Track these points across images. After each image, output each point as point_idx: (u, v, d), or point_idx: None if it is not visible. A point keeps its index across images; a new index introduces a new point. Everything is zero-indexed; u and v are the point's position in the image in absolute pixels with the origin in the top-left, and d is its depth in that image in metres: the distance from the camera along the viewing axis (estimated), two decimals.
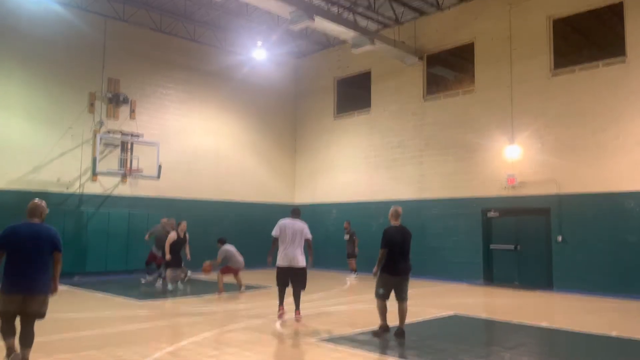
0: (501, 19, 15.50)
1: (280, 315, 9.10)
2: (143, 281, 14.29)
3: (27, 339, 5.52)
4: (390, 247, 7.77)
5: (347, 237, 17.01)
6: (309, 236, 9.27)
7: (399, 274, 7.76)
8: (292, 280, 9.06)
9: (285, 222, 9.32)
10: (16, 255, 5.48)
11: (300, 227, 9.25)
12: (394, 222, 8.12)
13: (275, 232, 9.23)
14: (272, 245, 9.27)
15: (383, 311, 7.83)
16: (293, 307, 9.13)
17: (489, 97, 15.59)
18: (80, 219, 15.61)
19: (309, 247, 9.26)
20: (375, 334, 7.73)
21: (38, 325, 5.76)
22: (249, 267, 19.17)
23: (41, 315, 5.60)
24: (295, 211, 9.72)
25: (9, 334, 5.51)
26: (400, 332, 7.62)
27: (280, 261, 9.07)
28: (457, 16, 16.66)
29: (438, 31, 17.17)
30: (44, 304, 5.59)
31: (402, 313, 7.71)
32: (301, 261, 9.04)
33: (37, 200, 5.88)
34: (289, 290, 9.08)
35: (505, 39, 15.34)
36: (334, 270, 18.57)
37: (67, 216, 15.31)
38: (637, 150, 12.70)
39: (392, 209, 8.22)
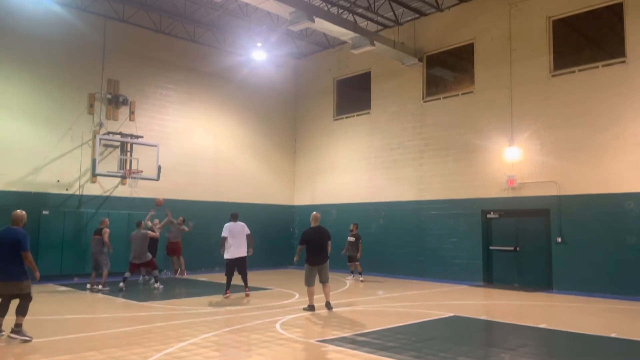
0: (501, 19, 15.51)
1: (227, 297, 11.52)
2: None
3: (19, 310, 7.39)
4: (307, 244, 10.15)
5: (351, 239, 16.01)
6: (249, 232, 11.94)
7: (317, 263, 10.11)
8: (239, 267, 11.70)
9: (230, 225, 11.79)
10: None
11: (242, 226, 11.90)
12: (313, 224, 10.35)
13: (225, 234, 11.62)
14: (223, 244, 11.64)
15: (312, 294, 10.07)
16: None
17: (488, 97, 15.60)
18: (80, 220, 15.61)
19: (250, 239, 11.89)
20: (305, 309, 9.94)
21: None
22: (250, 268, 19.17)
23: (24, 296, 7.44)
24: (234, 215, 12.12)
25: (1, 313, 7.43)
26: (328, 304, 10.12)
27: (230, 255, 11.55)
28: (457, 17, 16.67)
29: (437, 32, 17.18)
30: (23, 287, 7.42)
31: (327, 291, 10.25)
32: (245, 252, 11.79)
33: (18, 211, 7.70)
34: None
35: (505, 39, 15.35)
36: (333, 271, 18.55)
37: (67, 217, 15.31)
38: (637, 151, 12.71)
39: (312, 214, 10.44)
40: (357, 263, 15.86)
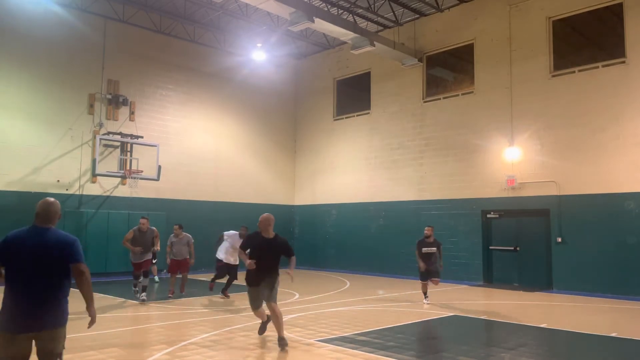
0: (501, 19, 15.52)
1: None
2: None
3: None
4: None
5: (431, 249, 11.31)
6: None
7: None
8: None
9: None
10: (15, 276, 3.89)
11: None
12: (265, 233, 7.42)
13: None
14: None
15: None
16: None
17: (488, 98, 15.60)
18: (80, 219, 15.61)
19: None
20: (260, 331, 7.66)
21: None
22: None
23: (55, 356, 3.91)
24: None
25: None
26: (281, 340, 6.97)
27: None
28: (457, 17, 16.68)
29: (437, 32, 17.19)
30: (58, 340, 3.92)
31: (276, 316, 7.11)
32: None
33: (50, 200, 4.17)
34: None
35: (505, 39, 15.35)
36: (333, 271, 18.58)
37: (67, 217, 15.30)
38: (637, 151, 12.71)
39: (268, 216, 7.55)
40: (437, 279, 11.51)
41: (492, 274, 15.37)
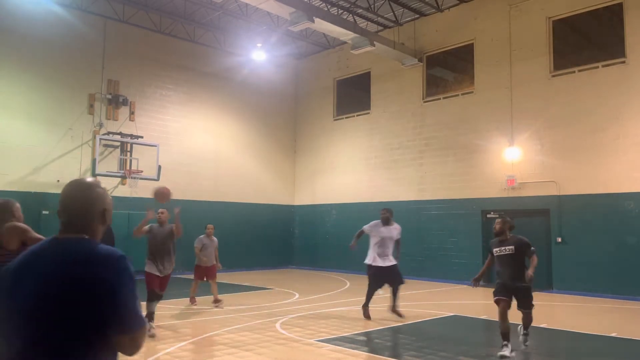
0: (501, 19, 15.52)
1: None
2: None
3: None
4: None
5: (507, 249, 7.32)
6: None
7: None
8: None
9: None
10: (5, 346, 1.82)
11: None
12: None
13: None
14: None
15: None
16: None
17: (488, 98, 15.61)
18: None
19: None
20: None
21: None
22: (250, 268, 19.21)
23: None
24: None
25: None
26: None
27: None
28: (457, 17, 16.68)
29: (437, 32, 17.18)
30: None
31: None
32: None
33: (82, 182, 2.03)
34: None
35: (505, 39, 15.36)
36: (333, 271, 18.57)
37: None
38: (637, 151, 12.71)
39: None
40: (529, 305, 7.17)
41: (492, 274, 15.33)
